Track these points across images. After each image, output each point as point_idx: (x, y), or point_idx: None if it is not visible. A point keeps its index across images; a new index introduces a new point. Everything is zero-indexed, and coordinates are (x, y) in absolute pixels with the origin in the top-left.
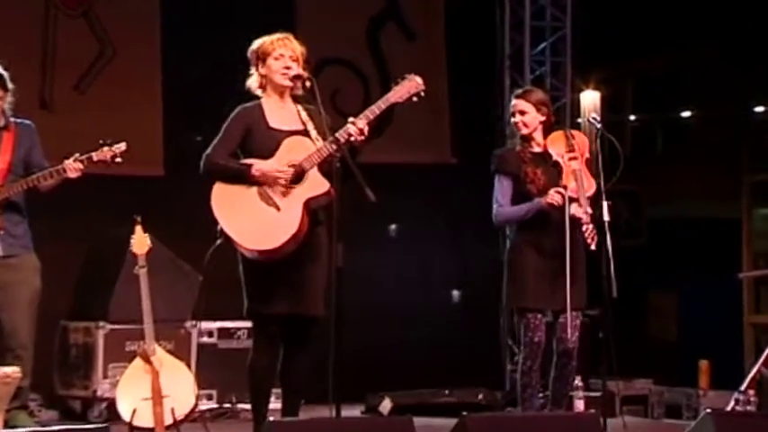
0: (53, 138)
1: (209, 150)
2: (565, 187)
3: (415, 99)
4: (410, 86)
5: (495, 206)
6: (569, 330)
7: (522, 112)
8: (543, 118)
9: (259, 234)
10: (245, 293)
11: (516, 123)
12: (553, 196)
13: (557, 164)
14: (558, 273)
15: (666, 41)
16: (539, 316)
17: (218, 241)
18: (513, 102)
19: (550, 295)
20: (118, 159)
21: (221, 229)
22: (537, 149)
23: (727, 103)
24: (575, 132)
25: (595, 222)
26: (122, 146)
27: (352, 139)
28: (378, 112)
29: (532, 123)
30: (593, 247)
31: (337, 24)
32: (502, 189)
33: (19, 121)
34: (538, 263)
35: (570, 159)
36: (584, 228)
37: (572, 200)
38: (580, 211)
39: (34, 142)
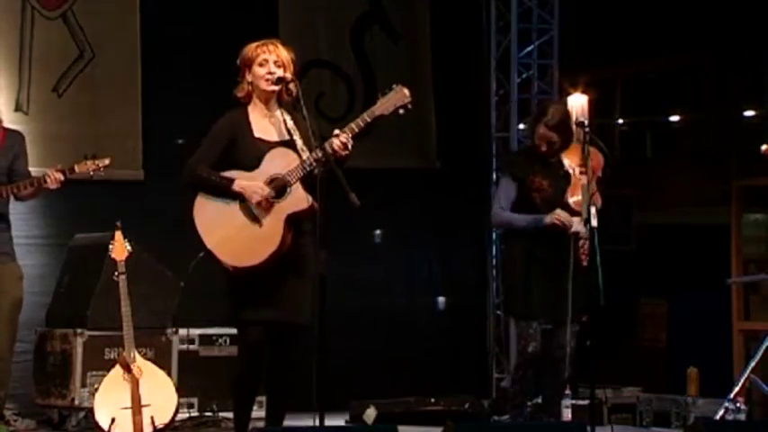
0: (29, 141)
1: (192, 159)
2: (565, 205)
3: (401, 112)
4: (396, 99)
5: (495, 206)
6: (566, 338)
7: (551, 143)
8: (564, 138)
9: (240, 250)
10: (229, 301)
11: (541, 148)
12: (562, 219)
13: (567, 174)
14: (556, 283)
15: (655, 45)
16: (534, 325)
17: (201, 254)
18: (542, 131)
19: (547, 305)
20: (100, 173)
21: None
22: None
23: (716, 108)
24: (593, 150)
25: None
26: (106, 161)
27: (336, 153)
28: (362, 125)
29: (554, 148)
30: (584, 263)
31: (321, 27)
32: (506, 192)
33: (10, 127)
34: (534, 272)
35: (581, 173)
36: (580, 242)
37: (574, 213)
38: (579, 226)
39: (21, 151)
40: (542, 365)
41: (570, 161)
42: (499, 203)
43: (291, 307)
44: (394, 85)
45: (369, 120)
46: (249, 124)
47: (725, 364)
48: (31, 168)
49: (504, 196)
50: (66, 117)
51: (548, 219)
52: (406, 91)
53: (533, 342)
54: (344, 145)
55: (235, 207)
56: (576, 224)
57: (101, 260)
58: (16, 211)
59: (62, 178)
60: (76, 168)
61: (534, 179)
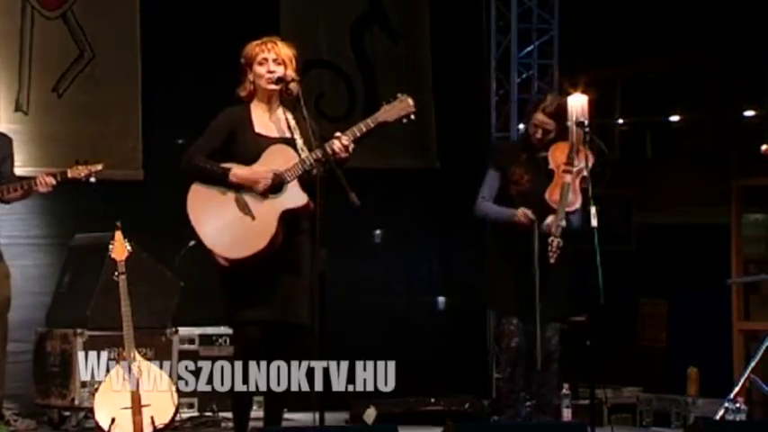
0: (29, 141)
1: (190, 148)
2: (543, 202)
3: (404, 121)
4: (401, 108)
5: (478, 196)
6: (547, 335)
7: (546, 131)
8: (558, 127)
9: (231, 241)
10: (223, 301)
11: (535, 135)
12: (521, 217)
13: (550, 172)
14: (536, 280)
15: (655, 45)
16: (514, 321)
17: (191, 243)
18: (540, 117)
19: (528, 302)
20: (92, 179)
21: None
22: (542, 153)
23: (716, 108)
24: (583, 149)
25: (573, 234)
26: (99, 166)
27: (336, 155)
28: (365, 130)
29: (548, 136)
30: (552, 260)
31: (321, 27)
32: (489, 182)
33: None
34: (513, 270)
35: (564, 172)
36: (549, 239)
37: (551, 210)
38: (552, 223)
39: (8, 154)
40: (532, 365)
41: (555, 160)
42: (482, 193)
43: (288, 306)
44: (399, 95)
45: (372, 125)
46: (250, 120)
47: (725, 364)
48: (29, 168)
49: (488, 186)
50: (66, 117)
51: (514, 215)
52: (411, 101)
53: (515, 338)
54: (345, 147)
55: (230, 199)
56: (549, 219)
57: (101, 260)
58: (16, 210)
59: (53, 183)
60: (69, 173)
61: (516, 171)
